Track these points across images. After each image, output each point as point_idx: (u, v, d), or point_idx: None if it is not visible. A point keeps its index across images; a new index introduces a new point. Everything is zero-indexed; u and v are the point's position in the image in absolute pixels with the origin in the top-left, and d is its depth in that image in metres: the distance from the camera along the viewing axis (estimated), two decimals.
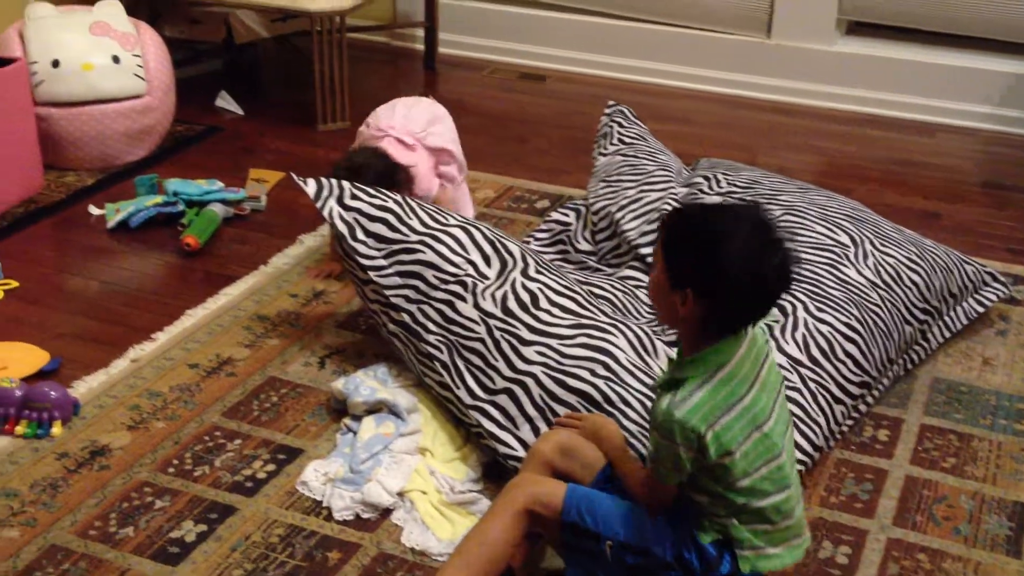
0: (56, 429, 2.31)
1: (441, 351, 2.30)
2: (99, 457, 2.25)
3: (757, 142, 3.89)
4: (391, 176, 2.71)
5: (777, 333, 2.36)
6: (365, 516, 2.11)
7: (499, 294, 2.33)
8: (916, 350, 2.61)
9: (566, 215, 3.03)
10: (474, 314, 2.30)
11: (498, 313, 2.30)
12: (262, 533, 2.06)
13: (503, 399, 2.21)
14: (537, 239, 3.02)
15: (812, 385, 2.30)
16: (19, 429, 2.30)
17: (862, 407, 2.43)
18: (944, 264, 2.69)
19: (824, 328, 2.38)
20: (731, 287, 1.66)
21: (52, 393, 2.33)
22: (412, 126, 2.98)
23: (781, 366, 2.24)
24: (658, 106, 4.17)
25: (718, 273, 1.66)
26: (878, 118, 4.10)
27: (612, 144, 3.10)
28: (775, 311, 2.38)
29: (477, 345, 2.28)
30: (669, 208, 2.78)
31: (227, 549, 2.03)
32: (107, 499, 2.14)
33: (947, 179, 3.64)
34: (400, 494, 2.14)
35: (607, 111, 3.20)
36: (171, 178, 3.30)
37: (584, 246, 2.91)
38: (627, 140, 3.10)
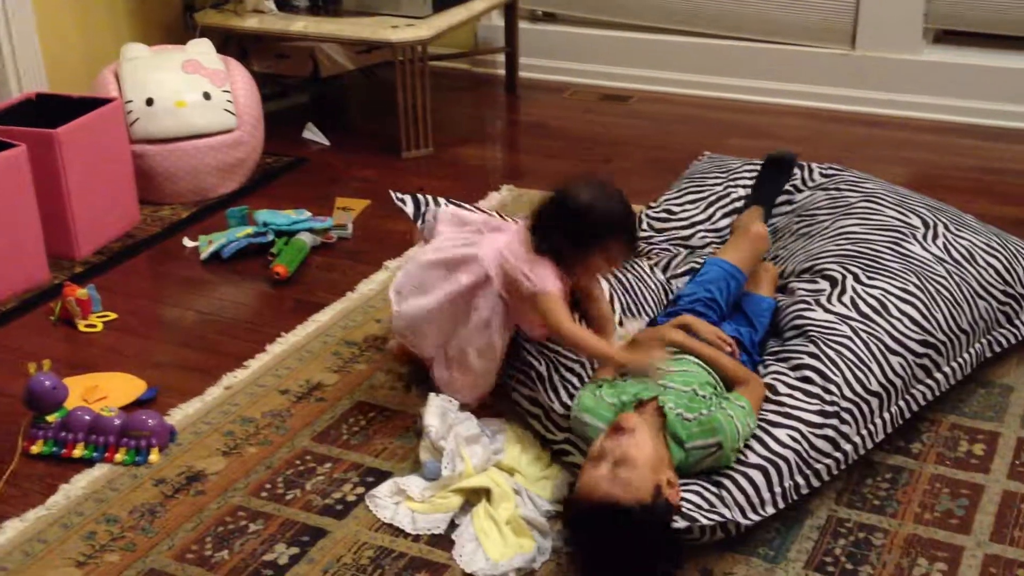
0: (153, 456, 2.38)
1: (540, 363, 2.32)
2: (195, 483, 2.31)
3: (845, 155, 3.83)
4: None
5: (823, 300, 2.40)
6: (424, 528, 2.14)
7: None
8: (1002, 333, 2.56)
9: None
10: None
11: None
12: (353, 555, 2.09)
13: None
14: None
15: (863, 335, 2.32)
16: (118, 457, 2.37)
17: (938, 376, 2.39)
18: None
19: (875, 291, 2.41)
20: None
21: (149, 421, 2.40)
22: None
23: (830, 322, 2.34)
24: (744, 122, 4.15)
25: None
26: (968, 127, 4.01)
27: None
28: (821, 282, 2.46)
29: (576, 366, 2.32)
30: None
31: (319, 571, 2.06)
32: (203, 523, 2.19)
33: None
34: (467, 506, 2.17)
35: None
36: (261, 209, 3.38)
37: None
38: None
